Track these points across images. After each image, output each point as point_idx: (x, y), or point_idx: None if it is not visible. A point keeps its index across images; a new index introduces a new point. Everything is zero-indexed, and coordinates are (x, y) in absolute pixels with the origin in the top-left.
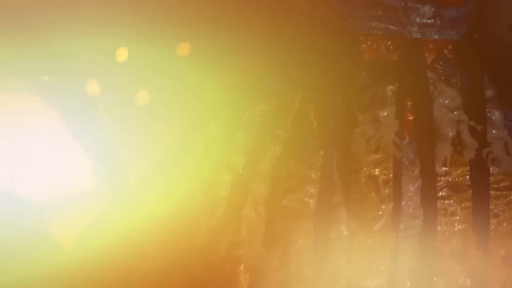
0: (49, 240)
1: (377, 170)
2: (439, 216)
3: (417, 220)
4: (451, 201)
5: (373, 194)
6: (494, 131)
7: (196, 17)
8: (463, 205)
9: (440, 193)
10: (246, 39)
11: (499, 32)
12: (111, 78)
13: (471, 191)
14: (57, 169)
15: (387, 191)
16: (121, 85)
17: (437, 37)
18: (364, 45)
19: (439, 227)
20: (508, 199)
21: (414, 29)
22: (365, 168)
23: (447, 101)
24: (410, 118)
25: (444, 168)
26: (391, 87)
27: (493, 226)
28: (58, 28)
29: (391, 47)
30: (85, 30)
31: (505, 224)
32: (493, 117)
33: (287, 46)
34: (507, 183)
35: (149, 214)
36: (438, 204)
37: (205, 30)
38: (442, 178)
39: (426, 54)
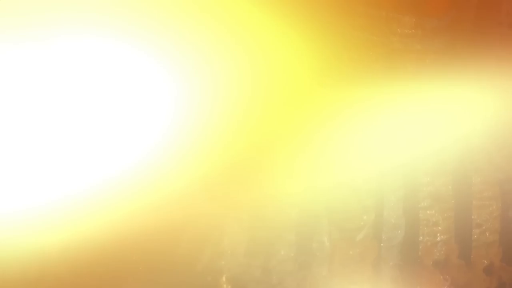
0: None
1: (359, 180)
2: (421, 226)
3: (399, 230)
4: (433, 211)
5: (355, 204)
6: (476, 142)
7: None
8: (445, 215)
9: (422, 203)
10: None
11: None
12: None
13: (453, 201)
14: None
15: (369, 202)
16: None
17: (418, 47)
18: (345, 55)
19: (421, 237)
20: (490, 209)
21: (395, 39)
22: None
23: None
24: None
25: (426, 179)
26: (374, 97)
27: (475, 236)
28: None
29: (373, 57)
30: None
31: (487, 234)
32: (476, 128)
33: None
34: (490, 193)
35: (133, 226)
36: (420, 214)
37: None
38: (424, 189)
39: (408, 64)
